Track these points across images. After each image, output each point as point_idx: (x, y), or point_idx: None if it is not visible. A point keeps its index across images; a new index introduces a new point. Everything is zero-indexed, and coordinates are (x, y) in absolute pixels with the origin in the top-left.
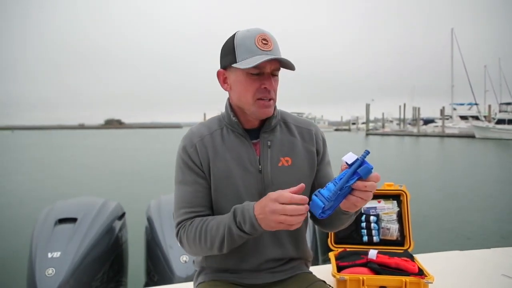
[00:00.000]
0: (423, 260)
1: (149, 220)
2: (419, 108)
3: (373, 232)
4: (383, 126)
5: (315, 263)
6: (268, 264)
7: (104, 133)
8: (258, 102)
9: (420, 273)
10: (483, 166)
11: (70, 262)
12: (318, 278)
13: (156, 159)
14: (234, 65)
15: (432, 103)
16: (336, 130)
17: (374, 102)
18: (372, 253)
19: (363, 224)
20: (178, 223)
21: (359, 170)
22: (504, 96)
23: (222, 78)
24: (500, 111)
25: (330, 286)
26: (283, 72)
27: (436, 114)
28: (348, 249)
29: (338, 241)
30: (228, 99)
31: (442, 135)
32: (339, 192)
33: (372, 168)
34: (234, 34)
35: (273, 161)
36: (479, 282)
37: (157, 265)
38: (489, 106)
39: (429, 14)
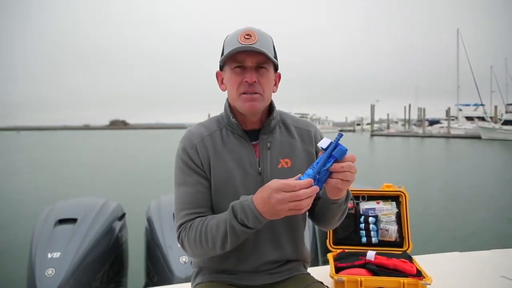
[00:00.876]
0: (422, 261)
1: (149, 220)
2: (424, 109)
3: (372, 233)
4: (388, 127)
5: (315, 264)
6: (266, 265)
7: (108, 133)
8: (241, 97)
9: (418, 274)
10: (487, 167)
11: (70, 262)
12: (316, 280)
13: (157, 159)
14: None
15: (438, 103)
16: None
17: (379, 102)
18: (370, 254)
19: (362, 225)
20: (180, 226)
21: (334, 152)
22: (511, 96)
23: (220, 79)
24: (506, 112)
25: (327, 287)
26: (287, 74)
27: (441, 115)
28: (346, 250)
29: (337, 242)
30: (227, 99)
31: (448, 136)
32: (317, 176)
33: (347, 149)
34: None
35: (272, 163)
36: (478, 283)
37: (156, 266)
38: (495, 107)
39: (433, 14)
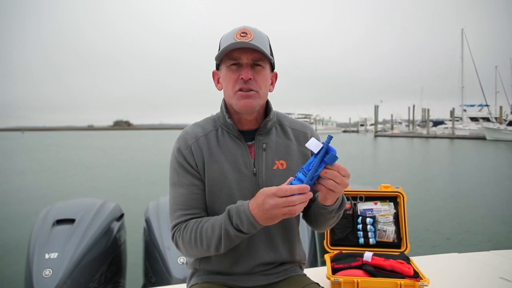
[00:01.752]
0: (421, 262)
1: (147, 221)
2: (428, 110)
3: (370, 234)
4: (392, 128)
5: (315, 265)
6: (261, 267)
7: (112, 134)
8: (237, 94)
9: (416, 275)
10: (491, 168)
11: (68, 263)
12: (312, 281)
13: (157, 160)
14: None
15: (442, 104)
16: (344, 131)
17: (383, 103)
18: (367, 255)
19: (359, 226)
20: (174, 226)
21: (326, 158)
22: None
23: (216, 78)
24: (511, 112)
25: None
26: (290, 74)
27: (446, 115)
28: (344, 251)
29: (334, 243)
30: (224, 99)
31: (452, 137)
32: (310, 182)
33: (336, 153)
34: None
35: (268, 164)
36: (476, 284)
37: (154, 267)
38: (500, 108)
39: (438, 15)
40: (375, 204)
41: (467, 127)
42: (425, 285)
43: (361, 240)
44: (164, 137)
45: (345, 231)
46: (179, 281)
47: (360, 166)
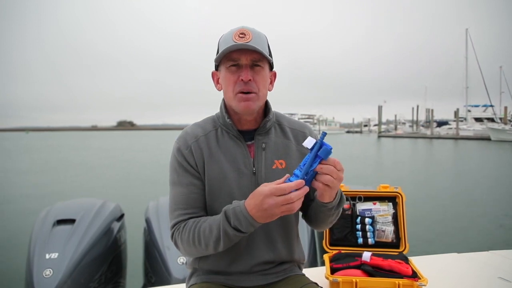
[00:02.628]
0: (420, 262)
1: (147, 221)
2: (432, 110)
3: (368, 234)
4: (395, 128)
5: (314, 265)
6: (260, 266)
7: (115, 134)
8: (237, 96)
9: (414, 275)
10: (492, 168)
11: (68, 263)
12: (310, 280)
13: (157, 160)
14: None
15: (446, 104)
16: (348, 132)
17: (387, 103)
18: (366, 255)
19: (358, 226)
20: (173, 225)
21: (319, 152)
22: None
23: (216, 79)
24: None
25: None
26: (290, 74)
27: (450, 116)
28: (343, 251)
29: (333, 243)
30: (223, 99)
31: (456, 138)
32: (305, 177)
33: (331, 148)
34: None
35: (267, 164)
36: (475, 284)
37: (154, 266)
38: (505, 108)
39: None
40: (374, 204)
41: (472, 128)
42: (423, 285)
43: (360, 240)
44: (167, 138)
45: (344, 231)
46: (179, 281)
47: (362, 166)
